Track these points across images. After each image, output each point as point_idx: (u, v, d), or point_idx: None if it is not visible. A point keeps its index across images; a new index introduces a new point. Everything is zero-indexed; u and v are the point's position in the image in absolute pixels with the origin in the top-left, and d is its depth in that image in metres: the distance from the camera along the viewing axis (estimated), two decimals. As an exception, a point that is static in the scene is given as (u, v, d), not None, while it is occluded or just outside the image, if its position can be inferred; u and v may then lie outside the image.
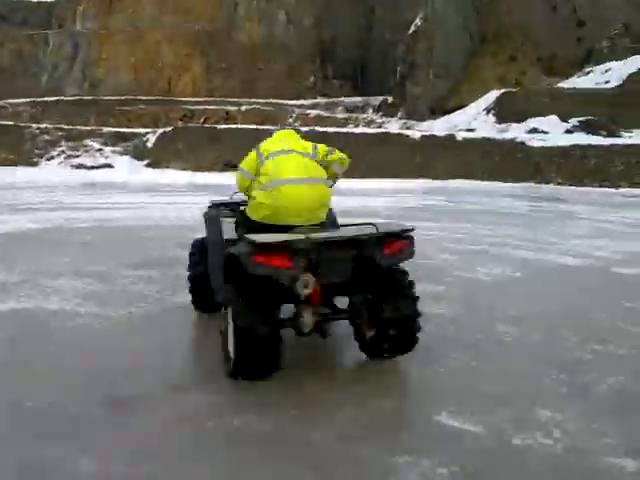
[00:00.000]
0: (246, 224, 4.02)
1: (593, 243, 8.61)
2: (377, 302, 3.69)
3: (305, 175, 3.92)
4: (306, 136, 4.64)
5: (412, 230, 3.68)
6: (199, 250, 4.79)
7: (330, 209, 4.17)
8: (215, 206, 4.70)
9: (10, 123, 17.26)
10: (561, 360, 3.98)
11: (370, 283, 3.71)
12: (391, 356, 3.82)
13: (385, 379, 3.65)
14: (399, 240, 3.61)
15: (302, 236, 3.41)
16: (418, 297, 3.75)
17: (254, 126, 18.51)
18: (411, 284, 3.76)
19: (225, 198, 4.82)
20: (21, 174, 14.71)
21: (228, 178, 13.24)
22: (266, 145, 4.10)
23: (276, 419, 3.13)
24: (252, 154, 4.11)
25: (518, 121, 24.11)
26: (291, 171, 3.90)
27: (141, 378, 3.62)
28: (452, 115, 28.12)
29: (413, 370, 3.83)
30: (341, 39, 38.58)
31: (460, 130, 24.15)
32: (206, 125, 20.45)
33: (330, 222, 4.12)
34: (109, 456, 2.77)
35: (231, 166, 4.46)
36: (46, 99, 26.48)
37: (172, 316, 4.74)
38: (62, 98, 27.80)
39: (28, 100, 25.68)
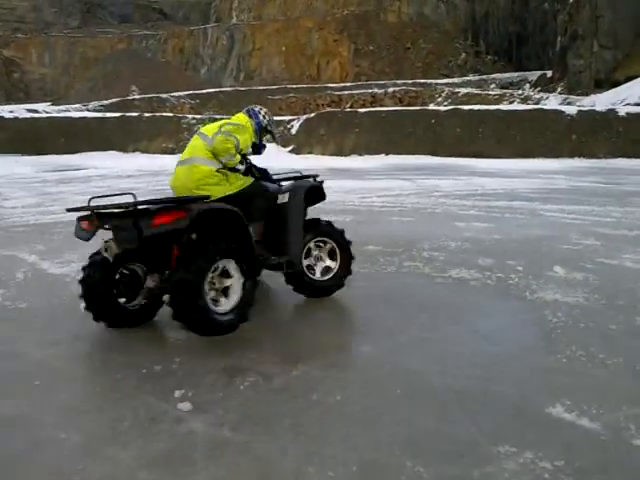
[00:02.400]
0: None
1: None
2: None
3: (187, 156, 4.16)
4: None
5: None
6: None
7: (264, 170, 4.46)
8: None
9: (170, 114, 18.89)
10: None
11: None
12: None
13: (499, 365, 3.50)
14: (174, 211, 3.61)
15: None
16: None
17: (394, 108, 18.35)
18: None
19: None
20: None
21: (365, 162, 13.34)
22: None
23: (379, 398, 3.16)
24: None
25: (697, 91, 21.36)
26: (184, 153, 4.26)
27: (258, 346, 3.84)
28: (619, 88, 25.67)
29: (532, 357, 3.62)
30: (495, 13, 36.92)
31: (628, 104, 21.94)
32: (347, 109, 20.64)
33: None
34: (218, 418, 3.00)
35: None
36: (204, 91, 28.41)
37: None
38: (219, 89, 29.63)
39: (188, 93, 27.75)
